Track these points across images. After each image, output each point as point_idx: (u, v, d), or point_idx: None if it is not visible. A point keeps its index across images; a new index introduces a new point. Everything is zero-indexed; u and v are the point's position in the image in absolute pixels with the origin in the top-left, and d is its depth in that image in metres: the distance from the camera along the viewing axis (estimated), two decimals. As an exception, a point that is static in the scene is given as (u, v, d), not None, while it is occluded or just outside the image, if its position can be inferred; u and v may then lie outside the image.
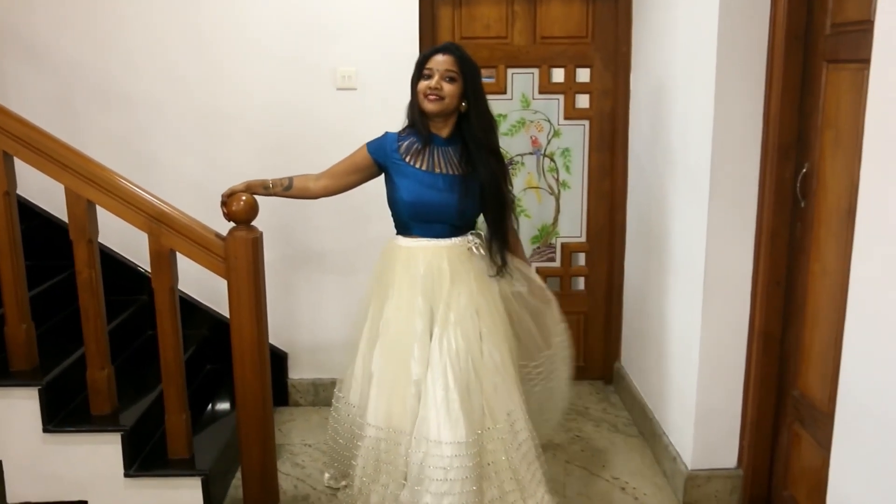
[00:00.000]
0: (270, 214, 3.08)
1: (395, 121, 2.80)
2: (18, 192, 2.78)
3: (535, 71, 3.93)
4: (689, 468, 3.02)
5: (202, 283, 3.63)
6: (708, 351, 2.92)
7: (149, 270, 3.16)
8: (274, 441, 2.97)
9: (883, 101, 1.78)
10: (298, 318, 3.88)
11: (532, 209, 4.07)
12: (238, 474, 3.13)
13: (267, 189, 2.79)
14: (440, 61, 2.63)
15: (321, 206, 3.51)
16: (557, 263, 4.14)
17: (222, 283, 2.81)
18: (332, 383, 3.68)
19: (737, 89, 2.71)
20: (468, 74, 2.65)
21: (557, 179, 4.05)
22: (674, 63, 3.16)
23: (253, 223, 2.77)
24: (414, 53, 3.46)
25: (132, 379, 3.20)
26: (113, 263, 3.62)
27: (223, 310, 3.71)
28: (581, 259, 4.16)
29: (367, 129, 2.88)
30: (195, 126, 3.68)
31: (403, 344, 2.72)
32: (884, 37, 1.78)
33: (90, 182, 2.66)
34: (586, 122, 3.99)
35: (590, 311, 4.20)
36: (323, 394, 3.93)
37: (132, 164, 3.21)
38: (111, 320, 2.92)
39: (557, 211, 4.08)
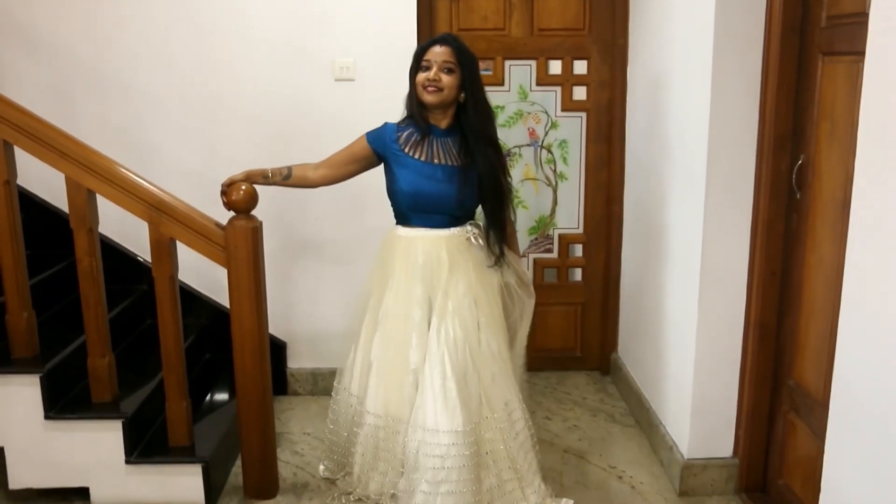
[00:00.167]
0: (269, 204, 3.10)
1: (394, 112, 2.82)
2: (17, 181, 2.79)
3: (533, 63, 3.94)
4: (686, 457, 3.04)
5: (201, 273, 3.64)
6: (704, 341, 2.93)
7: (148, 260, 3.18)
8: (273, 429, 3.00)
9: (877, 93, 1.80)
10: (297, 308, 3.90)
11: (530, 200, 4.09)
12: (238, 462, 3.15)
13: (266, 178, 2.80)
14: (438, 52, 2.65)
15: (320, 197, 3.53)
16: (555, 254, 4.16)
17: (221, 273, 2.83)
18: (331, 373, 3.69)
19: (733, 81, 2.72)
20: (466, 65, 2.67)
21: (555, 171, 4.07)
22: (671, 55, 3.18)
23: (252, 212, 2.79)
24: (412, 45, 3.47)
25: (132, 367, 3.22)
26: (112, 253, 3.63)
27: (222, 299, 3.73)
28: (578, 250, 4.17)
29: (366, 119, 2.91)
30: (193, 116, 3.69)
31: (402, 333, 2.74)
32: (878, 29, 1.80)
33: (90, 171, 2.68)
34: (583, 114, 4.01)
35: (587, 302, 4.22)
36: (322, 383, 3.95)
37: (130, 154, 3.21)
38: (111, 309, 2.94)
39: (555, 202, 4.10)
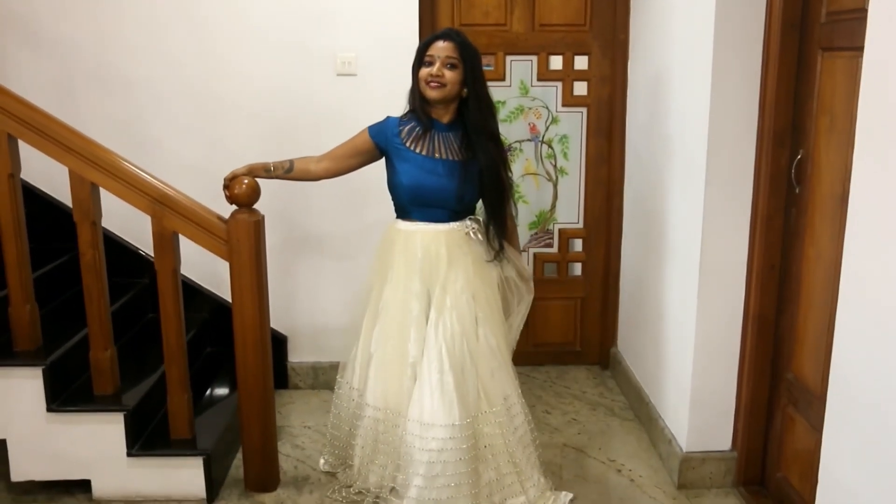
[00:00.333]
0: (271, 198, 3.10)
1: (395, 106, 2.83)
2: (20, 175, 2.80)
3: (534, 58, 3.95)
4: (684, 450, 3.06)
5: (202, 267, 3.66)
6: (703, 335, 2.95)
7: (149, 253, 3.20)
8: (275, 421, 3.02)
9: (875, 88, 1.81)
10: (298, 302, 3.91)
11: (530, 195, 4.10)
12: (239, 455, 3.16)
13: (268, 172, 2.81)
14: (441, 48, 2.65)
15: (321, 191, 3.54)
16: (555, 249, 4.17)
17: (222, 267, 2.84)
18: (332, 367, 3.72)
19: (733, 77, 2.73)
20: (469, 61, 2.67)
21: (555, 166, 4.08)
22: (671, 50, 3.19)
23: (254, 206, 2.80)
24: (413, 40, 3.48)
25: (134, 361, 3.23)
26: (113, 246, 3.63)
27: (223, 293, 3.75)
28: (578, 245, 4.19)
29: (367, 114, 2.92)
30: (195, 110, 3.70)
31: (400, 326, 2.75)
32: (877, 24, 1.81)
33: (94, 165, 2.69)
34: (584, 109, 4.02)
35: (587, 296, 4.23)
36: (322, 377, 3.96)
37: (132, 148, 3.21)
38: (112, 303, 2.94)
39: (555, 197, 4.11)
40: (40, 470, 2.93)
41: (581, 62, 3.97)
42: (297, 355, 4.00)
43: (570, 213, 4.13)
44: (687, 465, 3.04)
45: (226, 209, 2.80)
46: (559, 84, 3.99)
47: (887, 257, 1.77)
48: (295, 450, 3.37)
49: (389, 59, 3.59)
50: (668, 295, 3.25)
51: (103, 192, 2.76)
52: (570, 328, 4.28)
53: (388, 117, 2.80)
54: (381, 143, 2.77)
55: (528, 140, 4.04)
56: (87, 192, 2.71)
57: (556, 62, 3.97)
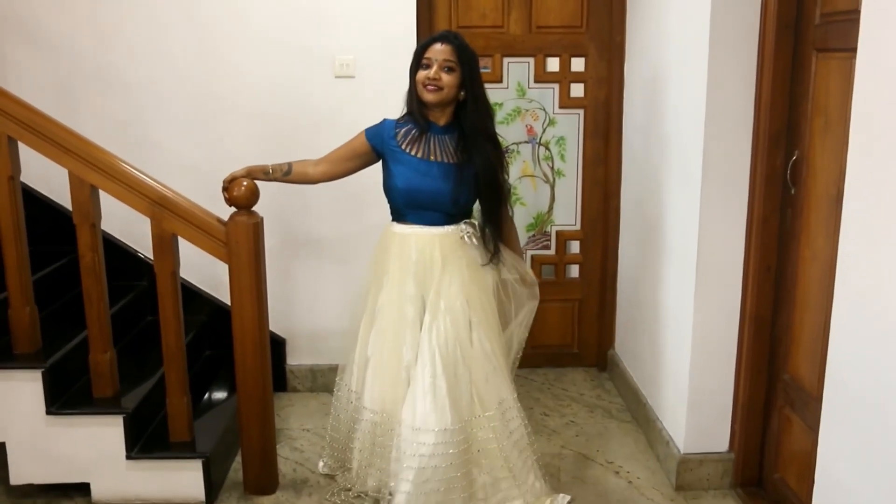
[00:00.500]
0: (270, 201, 3.11)
1: (393, 108, 2.82)
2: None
3: (531, 60, 3.96)
4: (682, 452, 3.06)
5: (201, 270, 3.66)
6: (700, 336, 2.96)
7: (148, 256, 3.20)
8: (273, 424, 3.02)
9: (868, 89, 1.82)
10: (297, 305, 3.91)
11: (527, 197, 4.11)
12: (238, 457, 3.16)
13: (267, 174, 2.81)
14: (439, 51, 2.64)
15: (320, 194, 3.54)
16: (552, 251, 4.18)
17: (221, 270, 2.85)
18: (331, 369, 3.72)
19: (729, 78, 2.74)
20: (467, 64, 2.65)
21: (552, 168, 4.09)
22: (667, 52, 3.20)
23: (253, 209, 2.81)
24: (411, 42, 3.50)
25: (132, 364, 3.23)
26: (113, 249, 3.64)
27: (222, 296, 3.76)
28: (575, 247, 4.20)
29: (365, 116, 2.92)
30: (194, 111, 3.70)
31: (395, 329, 2.74)
32: (869, 26, 1.82)
33: (94, 167, 2.70)
34: (581, 111, 4.03)
35: (584, 298, 4.24)
36: (321, 380, 3.97)
37: (131, 150, 3.21)
38: (112, 305, 2.95)
39: (552, 199, 4.12)
40: (39, 473, 2.94)
41: (578, 64, 3.99)
42: (296, 358, 4.00)
43: (568, 214, 4.14)
44: (684, 466, 3.05)
45: (225, 211, 2.81)
46: (556, 86, 4.00)
47: (881, 257, 1.78)
48: (294, 452, 3.37)
49: (388, 61, 3.60)
50: (666, 296, 3.26)
51: (102, 195, 2.76)
52: (568, 330, 4.29)
53: (384, 120, 2.80)
54: (377, 145, 2.77)
55: (526, 142, 4.05)
56: (86, 195, 2.72)
57: (553, 64, 3.98)
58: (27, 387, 2.83)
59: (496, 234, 2.79)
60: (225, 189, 2.78)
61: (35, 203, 3.60)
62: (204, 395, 3.51)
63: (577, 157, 4.07)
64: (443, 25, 3.86)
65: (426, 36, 2.99)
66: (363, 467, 2.89)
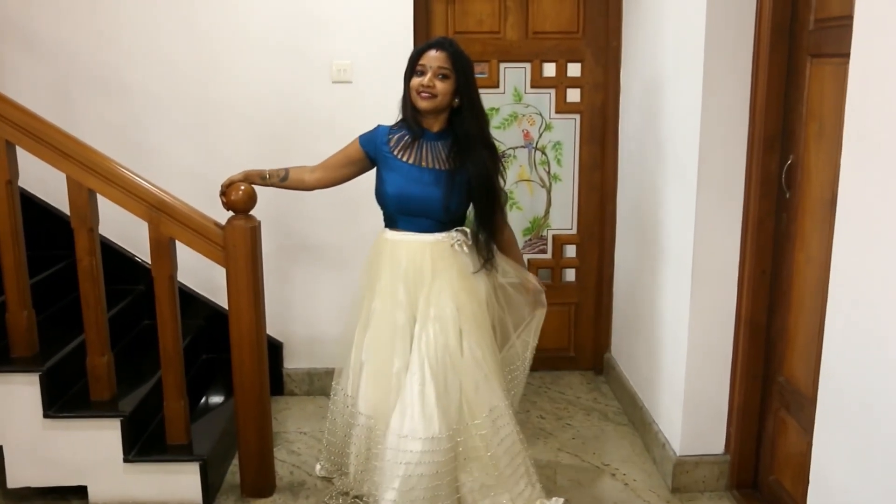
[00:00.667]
0: (267, 206, 3.12)
1: (390, 114, 2.83)
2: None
3: (527, 65, 3.98)
4: (678, 454, 3.07)
5: (198, 273, 3.66)
6: (696, 340, 2.97)
7: (146, 260, 3.20)
8: (271, 427, 3.03)
9: (861, 94, 1.84)
10: (294, 309, 3.92)
11: (524, 202, 4.12)
12: (235, 461, 3.17)
13: (264, 179, 2.82)
14: (433, 58, 2.63)
15: (317, 199, 3.53)
16: (549, 255, 4.19)
17: (218, 273, 2.86)
18: (327, 373, 3.73)
19: (724, 83, 2.76)
20: (461, 71, 2.64)
21: (549, 172, 4.10)
22: (663, 57, 3.22)
23: (251, 213, 2.81)
24: (408, 48, 3.50)
25: (130, 367, 3.23)
26: (110, 253, 3.64)
27: (219, 300, 3.76)
28: (572, 251, 4.21)
29: (362, 121, 2.92)
30: (192, 116, 3.71)
31: (387, 335, 2.73)
32: (862, 32, 1.83)
33: (91, 171, 2.71)
34: (577, 116, 4.04)
35: (580, 302, 4.25)
36: (318, 383, 3.97)
37: (129, 154, 3.21)
38: (109, 309, 2.95)
39: (549, 203, 4.13)
40: (37, 476, 2.94)
41: (574, 69, 4.00)
42: (293, 361, 4.01)
43: (564, 219, 4.16)
44: (680, 468, 3.06)
45: (222, 215, 2.82)
46: (552, 91, 4.02)
47: (875, 261, 1.79)
48: (291, 455, 3.38)
49: (385, 67, 3.61)
50: (662, 300, 3.27)
51: (100, 199, 2.77)
52: (564, 334, 4.30)
53: (378, 126, 2.80)
54: (370, 151, 2.77)
55: (522, 147, 4.07)
56: (84, 199, 2.73)
57: (550, 69, 4.00)
58: (25, 390, 2.83)
59: (489, 240, 2.78)
60: (222, 193, 2.79)
61: (33, 207, 3.60)
62: (201, 398, 3.52)
63: (573, 161, 4.09)
64: (440, 31, 3.88)
65: (423, 41, 2.99)
66: (359, 472, 2.88)
